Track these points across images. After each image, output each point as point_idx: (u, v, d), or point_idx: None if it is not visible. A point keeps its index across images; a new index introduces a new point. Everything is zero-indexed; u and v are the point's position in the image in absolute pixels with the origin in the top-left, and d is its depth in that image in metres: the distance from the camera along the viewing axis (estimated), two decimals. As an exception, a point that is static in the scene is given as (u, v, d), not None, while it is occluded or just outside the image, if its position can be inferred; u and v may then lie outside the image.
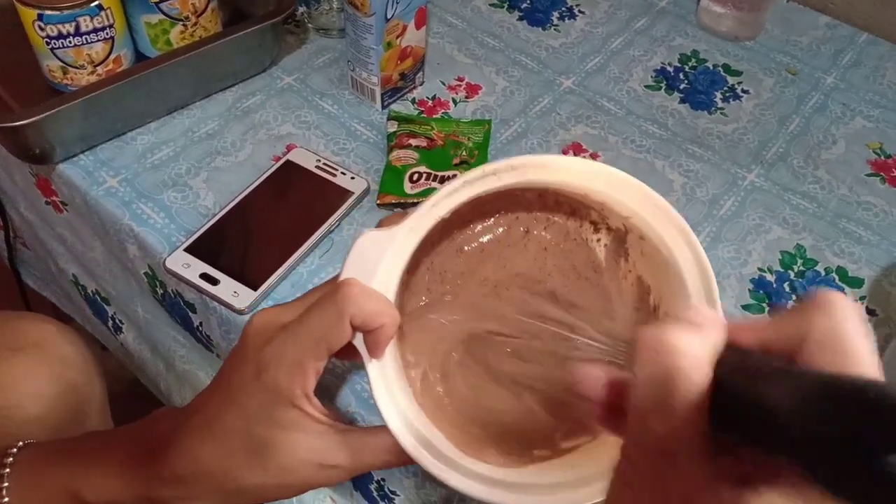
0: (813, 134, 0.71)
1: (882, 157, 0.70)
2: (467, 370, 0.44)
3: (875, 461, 0.18)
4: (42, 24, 0.60)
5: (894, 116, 0.74)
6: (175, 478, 0.38)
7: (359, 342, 0.37)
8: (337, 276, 0.37)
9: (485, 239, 0.46)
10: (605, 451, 0.38)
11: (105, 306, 0.76)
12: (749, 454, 0.25)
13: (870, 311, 0.58)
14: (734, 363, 0.25)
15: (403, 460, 0.38)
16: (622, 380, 0.29)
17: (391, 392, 0.38)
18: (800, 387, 0.22)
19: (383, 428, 0.38)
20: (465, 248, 0.46)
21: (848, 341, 0.23)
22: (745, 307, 0.58)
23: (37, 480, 0.42)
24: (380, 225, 0.39)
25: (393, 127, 0.65)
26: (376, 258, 0.38)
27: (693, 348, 0.24)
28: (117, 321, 0.77)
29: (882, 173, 0.69)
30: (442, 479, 0.37)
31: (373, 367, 0.37)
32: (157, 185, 0.61)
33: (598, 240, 0.46)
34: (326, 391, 0.51)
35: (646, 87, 0.74)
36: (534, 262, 0.46)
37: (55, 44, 0.61)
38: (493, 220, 0.46)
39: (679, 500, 0.24)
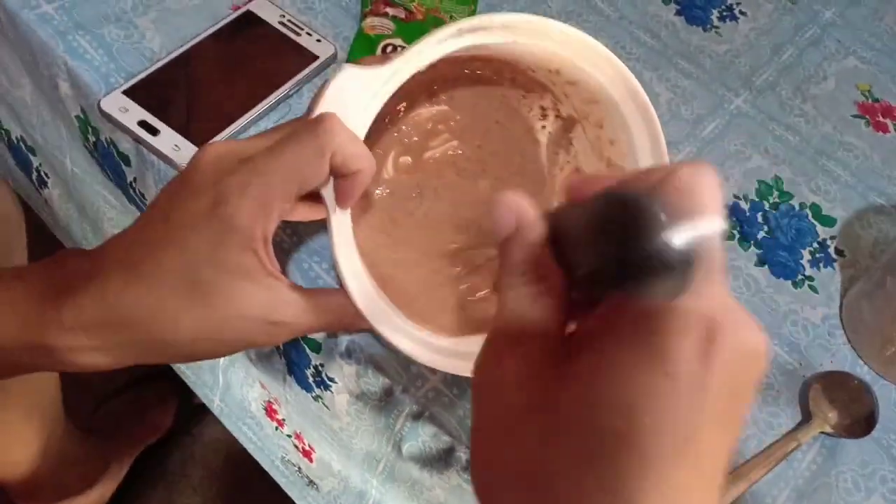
0: (805, 67, 0.68)
1: (870, 101, 0.68)
2: (411, 248, 0.44)
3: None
4: None
5: (887, 61, 0.71)
6: (80, 325, 0.33)
7: (327, 191, 0.33)
8: (306, 114, 0.32)
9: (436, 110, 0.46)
10: None
11: (31, 156, 0.70)
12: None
13: (838, 252, 0.57)
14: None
15: (348, 322, 0.35)
16: None
17: (349, 251, 0.35)
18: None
19: (334, 290, 0.36)
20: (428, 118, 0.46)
21: (700, 192, 0.24)
22: (716, 232, 0.56)
23: None
24: (357, 63, 0.35)
25: (370, -8, 0.59)
26: (355, 97, 0.34)
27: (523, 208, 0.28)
28: (42, 174, 0.70)
29: (867, 116, 0.66)
30: (391, 341, 0.37)
31: (336, 219, 0.34)
32: (99, 17, 0.54)
33: (543, 127, 0.46)
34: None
35: (642, -8, 0.70)
36: (482, 140, 0.47)
37: None
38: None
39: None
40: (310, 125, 0.32)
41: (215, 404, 0.69)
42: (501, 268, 0.28)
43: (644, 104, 0.39)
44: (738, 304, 0.24)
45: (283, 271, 0.46)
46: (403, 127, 0.45)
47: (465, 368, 0.38)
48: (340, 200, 0.33)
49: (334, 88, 0.33)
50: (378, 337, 0.37)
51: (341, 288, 0.35)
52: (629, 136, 0.40)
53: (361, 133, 0.35)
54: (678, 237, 0.21)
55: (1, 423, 0.73)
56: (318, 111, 0.33)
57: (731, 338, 0.23)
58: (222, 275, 0.32)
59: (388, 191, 0.45)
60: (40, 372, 0.37)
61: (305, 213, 0.36)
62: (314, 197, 0.34)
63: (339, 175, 0.33)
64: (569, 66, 0.39)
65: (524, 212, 0.28)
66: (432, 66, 0.38)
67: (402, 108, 0.45)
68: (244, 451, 0.71)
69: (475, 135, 0.46)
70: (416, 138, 0.45)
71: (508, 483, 0.25)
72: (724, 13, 0.71)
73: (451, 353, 0.39)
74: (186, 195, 0.32)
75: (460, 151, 0.46)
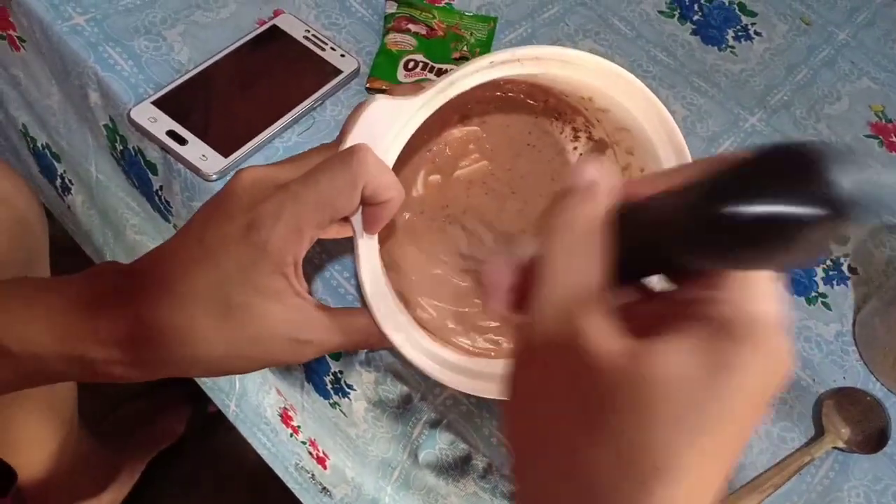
0: (819, 87, 0.69)
1: (883, 121, 0.68)
2: (440, 270, 0.44)
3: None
4: None
5: (900, 82, 0.72)
6: (114, 339, 0.34)
7: (355, 217, 0.35)
8: (339, 141, 0.34)
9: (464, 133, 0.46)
10: None
11: (55, 163, 0.71)
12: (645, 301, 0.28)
13: (852, 269, 0.58)
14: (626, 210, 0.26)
15: (373, 342, 0.36)
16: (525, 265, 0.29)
17: (374, 273, 0.36)
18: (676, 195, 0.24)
19: (359, 309, 0.36)
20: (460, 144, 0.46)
21: None
22: (731, 248, 0.56)
23: None
24: (389, 93, 0.36)
25: (392, 8, 0.60)
26: (385, 127, 0.35)
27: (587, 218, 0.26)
28: (67, 181, 0.71)
29: (881, 136, 0.67)
30: (415, 362, 0.37)
31: (363, 243, 0.35)
32: (129, 30, 0.55)
33: (575, 149, 0.46)
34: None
35: (659, 12, 0.71)
36: (512, 163, 0.47)
37: None
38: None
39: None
40: (343, 157, 0.33)
41: (231, 410, 0.70)
42: (562, 222, 0.26)
43: (677, 141, 0.39)
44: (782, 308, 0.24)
45: (309, 282, 0.47)
46: (435, 147, 0.45)
47: (489, 390, 0.38)
48: (368, 226, 0.35)
49: (366, 118, 0.34)
50: (400, 356, 0.38)
51: (366, 308, 0.36)
52: (660, 168, 0.40)
53: (391, 160, 0.35)
54: (851, 179, 0.19)
55: (19, 423, 0.74)
56: (349, 140, 0.34)
57: (770, 344, 0.23)
58: (253, 296, 0.33)
59: (420, 211, 0.45)
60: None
61: (334, 232, 0.37)
62: (343, 218, 0.35)
63: (368, 204, 0.34)
64: (600, 95, 0.40)
65: (608, 174, 0.27)
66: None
67: (435, 128, 0.45)
68: (257, 457, 0.71)
69: (506, 157, 0.46)
70: (447, 156, 0.46)
71: (546, 469, 0.25)
72: (740, 33, 0.71)
73: (475, 375, 0.39)
74: (221, 218, 0.33)
75: (491, 172, 0.46)
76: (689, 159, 0.40)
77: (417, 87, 0.35)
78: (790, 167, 0.20)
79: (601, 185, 0.26)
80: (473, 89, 0.37)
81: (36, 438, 0.78)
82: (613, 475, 0.23)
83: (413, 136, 0.36)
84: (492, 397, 0.39)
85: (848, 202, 0.19)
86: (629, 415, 0.23)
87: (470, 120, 0.45)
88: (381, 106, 0.34)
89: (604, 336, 0.24)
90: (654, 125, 0.39)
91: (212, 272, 0.33)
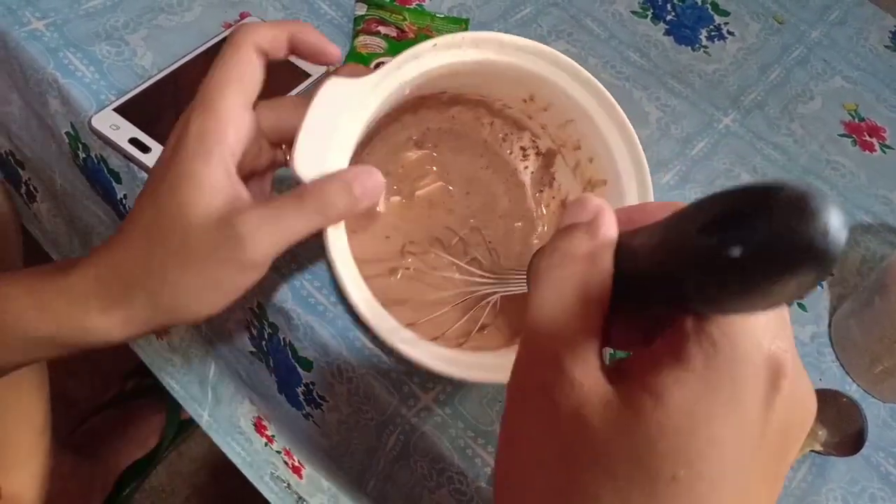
0: (792, 86, 0.69)
1: (856, 120, 0.68)
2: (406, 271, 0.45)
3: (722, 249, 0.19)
4: None
5: (872, 81, 0.72)
6: (87, 286, 0.36)
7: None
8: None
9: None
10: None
11: (19, 170, 0.69)
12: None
13: (826, 270, 0.57)
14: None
15: (330, 214, 0.36)
16: None
17: (348, 266, 0.37)
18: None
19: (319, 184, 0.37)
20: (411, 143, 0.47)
21: None
22: (706, 250, 0.56)
23: None
24: (337, 73, 0.37)
25: (362, 10, 0.59)
26: (341, 106, 0.36)
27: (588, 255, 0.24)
28: (31, 188, 0.69)
29: (854, 135, 0.67)
30: (395, 346, 0.38)
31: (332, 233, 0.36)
32: (90, 35, 0.54)
33: (526, 167, 0.48)
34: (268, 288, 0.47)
35: (632, 12, 0.70)
36: (469, 187, 0.48)
37: None
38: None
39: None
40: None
41: (204, 419, 0.68)
42: (557, 257, 0.25)
43: (612, 108, 0.41)
44: (794, 345, 0.23)
45: (279, 292, 0.46)
46: (393, 168, 0.46)
47: (478, 375, 0.39)
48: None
49: (322, 96, 0.36)
50: (374, 336, 0.39)
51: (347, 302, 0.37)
52: (606, 147, 0.42)
53: (351, 140, 0.37)
54: (835, 220, 0.18)
55: None
56: (308, 119, 0.35)
57: (792, 385, 0.22)
58: (175, 178, 0.35)
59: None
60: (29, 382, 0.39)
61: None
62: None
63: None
64: (540, 87, 0.41)
65: (605, 209, 0.25)
66: (417, 107, 0.41)
67: (391, 155, 0.47)
68: (232, 466, 0.70)
69: (463, 183, 0.48)
70: (405, 178, 0.47)
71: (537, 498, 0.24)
72: (713, 33, 0.71)
73: (448, 360, 0.39)
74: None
75: (451, 189, 0.47)
76: (633, 132, 0.41)
77: (367, 69, 0.38)
78: (787, 210, 0.19)
79: (599, 221, 0.25)
80: (426, 113, 0.40)
81: (12, 451, 0.76)
82: None
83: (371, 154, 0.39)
84: (477, 380, 0.40)
85: (838, 247, 0.18)
86: (622, 469, 0.21)
87: (423, 145, 0.47)
88: (337, 84, 0.36)
89: (591, 382, 0.22)
90: (592, 104, 0.41)
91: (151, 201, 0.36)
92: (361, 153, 0.43)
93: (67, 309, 0.36)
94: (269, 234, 0.34)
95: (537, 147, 0.47)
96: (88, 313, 0.36)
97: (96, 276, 0.36)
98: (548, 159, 0.46)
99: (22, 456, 0.77)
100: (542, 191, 0.47)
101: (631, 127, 0.41)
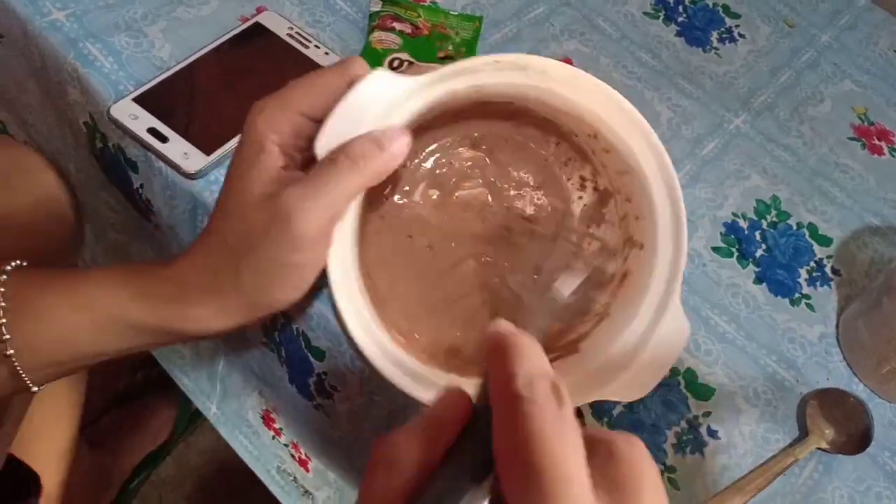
0: (802, 89, 0.70)
1: (865, 124, 0.69)
2: (419, 282, 0.44)
3: None
4: None
5: (882, 85, 0.72)
6: (180, 276, 0.38)
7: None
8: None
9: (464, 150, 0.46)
10: None
11: (33, 161, 0.70)
12: None
13: (835, 271, 0.58)
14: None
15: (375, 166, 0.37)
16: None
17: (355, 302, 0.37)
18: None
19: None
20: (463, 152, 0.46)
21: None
22: (715, 249, 0.56)
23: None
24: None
25: (377, 6, 0.60)
26: (380, 96, 0.36)
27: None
28: (45, 179, 0.70)
29: (863, 139, 0.68)
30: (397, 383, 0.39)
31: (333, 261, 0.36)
32: (109, 26, 0.54)
33: (580, 198, 0.46)
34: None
35: (644, 13, 0.71)
36: (512, 202, 0.46)
37: None
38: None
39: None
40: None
41: (212, 412, 0.69)
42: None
43: (671, 181, 0.39)
44: None
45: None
46: (441, 162, 0.45)
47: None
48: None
49: (366, 84, 0.36)
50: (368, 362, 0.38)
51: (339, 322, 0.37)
52: (653, 212, 0.40)
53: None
54: None
55: (38, 428, 0.73)
56: (342, 104, 0.36)
57: None
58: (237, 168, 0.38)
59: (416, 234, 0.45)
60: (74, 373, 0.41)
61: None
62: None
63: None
64: (604, 131, 0.39)
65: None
66: (479, 111, 0.40)
67: (448, 143, 0.45)
68: (238, 460, 0.71)
69: (509, 194, 0.45)
70: (449, 175, 0.45)
71: None
72: (724, 35, 0.72)
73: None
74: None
75: (490, 200, 0.45)
76: (681, 198, 0.39)
77: (418, 71, 0.37)
78: None
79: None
80: (493, 126, 0.39)
81: (45, 445, 0.77)
82: None
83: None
84: None
85: None
86: None
87: (479, 146, 0.45)
88: (381, 77, 0.36)
89: None
90: (651, 167, 0.39)
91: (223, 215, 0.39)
92: None
93: (170, 298, 0.38)
94: (313, 206, 0.35)
95: (596, 182, 0.44)
96: (189, 303, 0.38)
97: (192, 265, 0.38)
98: (604, 198, 0.44)
99: (55, 448, 0.77)
100: (588, 226, 0.45)
101: (683, 206, 0.39)
